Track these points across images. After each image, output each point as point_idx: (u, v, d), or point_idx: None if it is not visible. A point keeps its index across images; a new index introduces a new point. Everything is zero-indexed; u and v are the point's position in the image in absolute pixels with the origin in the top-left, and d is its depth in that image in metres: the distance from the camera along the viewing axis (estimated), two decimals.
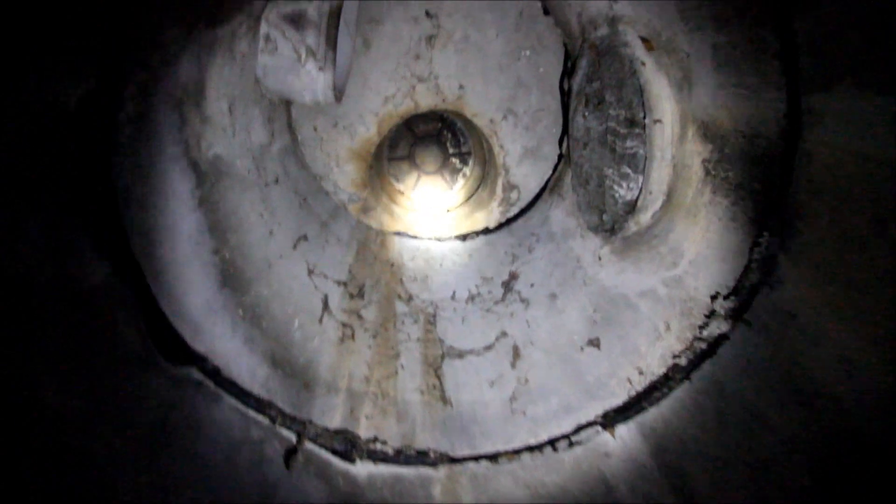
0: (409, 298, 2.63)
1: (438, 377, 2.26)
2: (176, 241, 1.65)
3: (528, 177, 2.87)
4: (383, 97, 2.67)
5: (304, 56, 1.88)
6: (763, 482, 1.32)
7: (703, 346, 1.55)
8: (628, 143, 1.86)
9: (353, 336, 2.32)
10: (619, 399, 1.81)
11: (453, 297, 2.64)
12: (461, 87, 2.66)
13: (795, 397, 1.25)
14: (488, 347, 2.35)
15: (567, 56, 2.54)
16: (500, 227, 2.99)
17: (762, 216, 1.35)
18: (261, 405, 1.79)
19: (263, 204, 2.21)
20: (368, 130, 2.76)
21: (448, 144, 3.45)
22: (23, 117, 1.14)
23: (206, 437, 1.60)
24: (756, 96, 1.32)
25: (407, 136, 3.39)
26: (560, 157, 2.79)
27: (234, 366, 1.78)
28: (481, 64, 2.60)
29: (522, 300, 2.48)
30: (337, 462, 1.84)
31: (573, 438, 1.86)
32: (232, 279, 1.90)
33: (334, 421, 1.95)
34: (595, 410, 1.85)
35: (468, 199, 3.32)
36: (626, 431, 1.75)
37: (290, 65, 1.93)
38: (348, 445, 1.87)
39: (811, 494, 1.21)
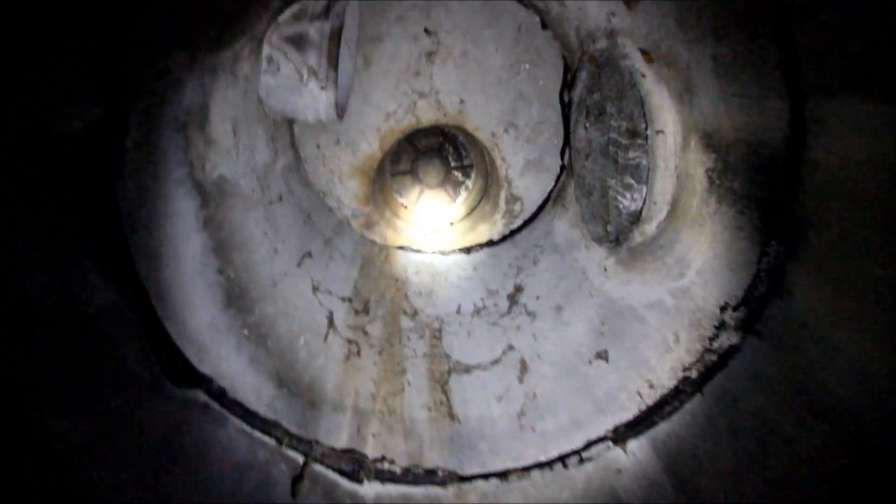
0: (415, 313, 2.62)
1: (445, 393, 2.23)
2: (181, 263, 1.66)
3: (531, 188, 2.87)
4: (385, 113, 2.69)
5: (306, 76, 1.91)
6: (780, 498, 1.29)
7: (714, 358, 1.52)
8: (631, 154, 1.86)
9: (358, 353, 2.30)
10: (629, 413, 1.78)
11: (459, 311, 2.62)
12: (462, 101, 2.68)
13: (811, 410, 1.22)
14: (495, 362, 2.32)
15: (566, 69, 2.56)
16: (503, 239, 2.98)
17: (769, 225, 1.34)
18: (267, 426, 1.77)
19: (268, 222, 2.22)
20: (371, 146, 2.78)
21: (450, 158, 3.47)
22: (29, 144, 1.15)
23: (212, 460, 1.58)
24: (758, 105, 1.32)
25: (409, 150, 3.41)
26: (562, 168, 2.80)
27: (239, 386, 1.77)
28: (481, 78, 2.62)
29: (528, 313, 2.46)
30: (344, 483, 1.82)
31: (583, 454, 1.82)
32: (237, 299, 1.90)
33: (341, 440, 1.92)
34: (605, 425, 1.82)
35: (471, 211, 3.33)
36: (637, 447, 1.72)
37: (292, 85, 1.96)
38: (356, 465, 1.85)
39: None
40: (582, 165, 2.32)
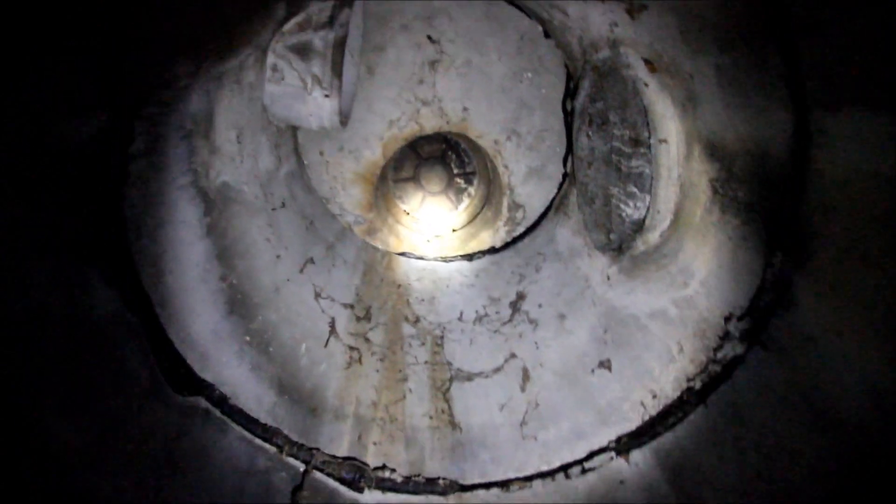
0: (417, 320, 2.61)
1: (447, 401, 2.22)
2: (184, 270, 1.66)
3: (533, 196, 2.87)
4: (388, 121, 2.70)
5: (310, 84, 1.92)
6: None
7: (718, 368, 1.51)
8: (634, 163, 1.86)
9: (360, 360, 2.30)
10: (632, 424, 1.76)
11: (461, 318, 2.61)
12: (465, 109, 2.69)
13: (817, 423, 1.21)
14: (497, 370, 2.31)
15: (569, 77, 2.57)
16: (506, 246, 2.98)
17: (774, 236, 1.33)
18: (268, 433, 1.76)
19: (270, 228, 2.23)
20: (374, 153, 2.79)
21: (452, 165, 3.47)
22: (36, 151, 1.16)
23: (213, 467, 1.58)
24: (763, 116, 1.32)
25: (412, 157, 3.42)
26: (565, 175, 2.80)
27: (241, 393, 1.77)
28: (484, 86, 2.63)
29: (531, 321, 2.45)
30: (344, 491, 1.81)
31: (586, 465, 1.81)
32: (239, 305, 1.90)
33: (342, 448, 1.91)
34: (608, 435, 1.81)
35: (474, 218, 3.33)
36: (640, 457, 1.70)
37: (296, 92, 1.97)
38: (356, 474, 1.84)
39: None
40: (584, 173, 2.32)
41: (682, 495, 1.51)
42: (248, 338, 1.91)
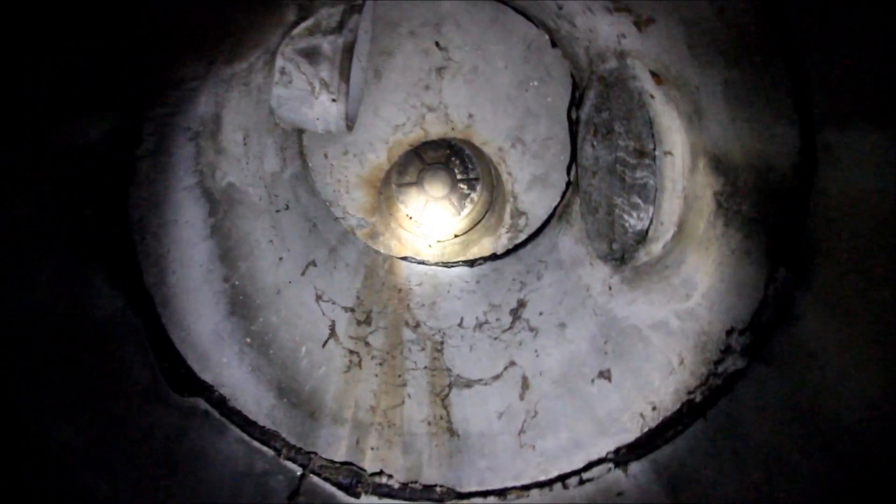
0: (417, 325, 2.61)
1: (445, 407, 2.22)
2: (187, 270, 1.66)
3: (536, 204, 2.88)
4: (393, 126, 2.71)
5: (317, 88, 1.93)
6: None
7: (719, 382, 1.51)
8: (638, 174, 1.87)
9: (359, 364, 2.29)
10: (631, 435, 1.76)
11: (461, 325, 2.61)
12: (470, 116, 2.70)
13: (818, 440, 1.21)
14: (496, 377, 2.31)
15: (575, 87, 2.58)
16: (508, 253, 2.98)
17: (778, 251, 1.33)
18: (266, 436, 1.76)
19: (274, 230, 2.23)
20: (378, 158, 2.79)
21: (456, 170, 3.48)
22: (43, 151, 1.17)
23: (211, 469, 1.57)
24: (769, 131, 1.32)
25: (416, 162, 3.43)
26: (568, 184, 2.80)
27: (240, 395, 1.76)
28: (490, 94, 2.64)
29: (531, 329, 2.45)
30: (341, 496, 1.80)
31: (584, 475, 1.80)
32: (241, 306, 1.91)
33: (339, 453, 1.91)
34: (607, 446, 1.80)
35: (476, 224, 3.33)
36: (639, 469, 1.70)
37: (303, 96, 1.98)
38: (353, 479, 1.83)
39: None
40: (588, 183, 2.32)
41: None
42: (248, 339, 1.91)
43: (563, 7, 2.03)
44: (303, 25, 1.83)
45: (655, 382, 1.75)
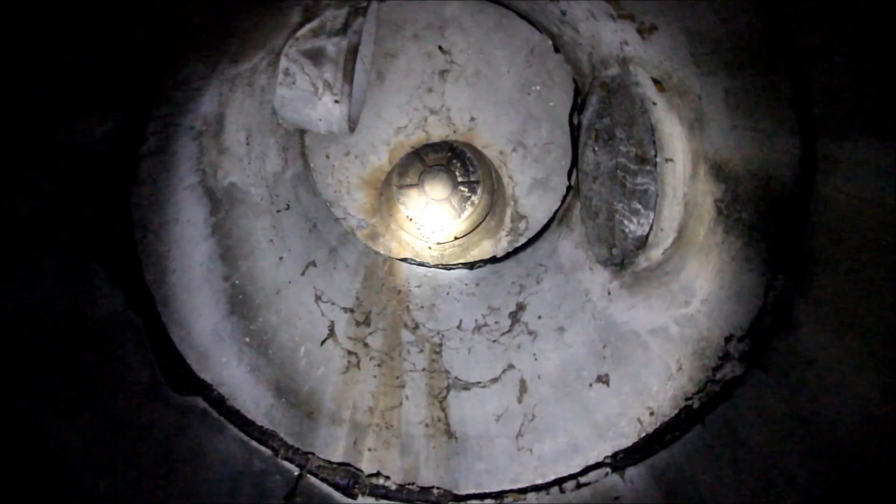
0: (416, 327, 2.61)
1: (443, 409, 2.22)
2: (188, 269, 1.66)
3: (537, 207, 2.88)
4: (395, 128, 2.72)
5: (321, 89, 1.93)
6: None
7: (717, 388, 1.51)
8: (639, 180, 1.88)
9: (358, 365, 2.29)
10: (629, 440, 1.76)
11: (460, 327, 2.61)
12: (472, 119, 2.71)
13: (815, 447, 1.21)
14: (494, 380, 2.31)
15: (577, 92, 2.59)
16: (507, 256, 2.99)
17: (777, 259, 1.34)
18: (264, 435, 1.76)
19: (274, 230, 2.24)
20: (380, 159, 2.80)
21: (457, 173, 3.49)
22: (48, 153, 1.17)
23: (209, 468, 1.57)
24: (770, 140, 1.33)
25: (417, 164, 3.44)
26: (569, 189, 2.81)
27: (238, 394, 1.76)
28: (492, 97, 2.65)
29: (530, 332, 2.46)
30: (338, 497, 1.80)
31: (581, 479, 1.81)
32: (240, 306, 1.91)
33: (337, 453, 1.91)
34: (604, 451, 1.81)
35: (476, 227, 3.34)
36: (636, 474, 1.70)
37: (307, 97, 1.98)
38: (350, 480, 1.83)
39: None
40: (589, 187, 2.33)
41: None
42: (247, 339, 1.91)
43: (567, 13, 2.04)
44: (307, 27, 1.84)
45: (654, 388, 1.75)
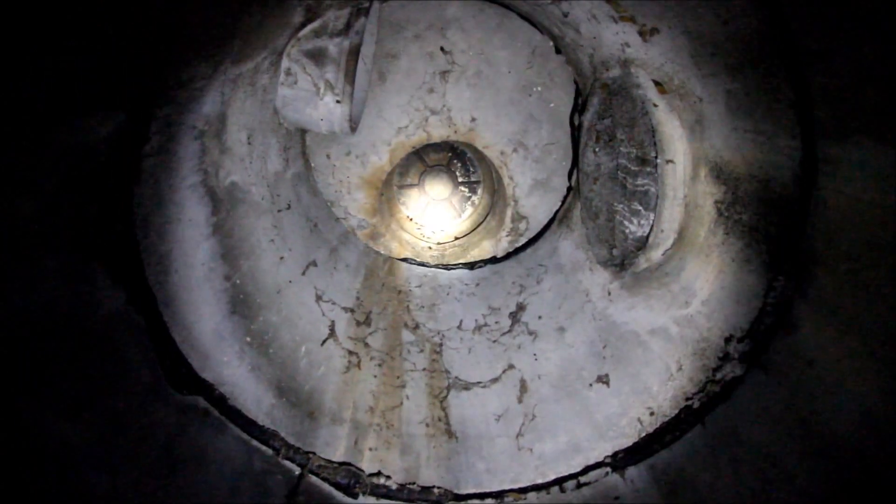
0: (416, 327, 2.62)
1: (444, 409, 2.22)
2: (189, 268, 1.66)
3: (537, 208, 2.89)
4: (396, 128, 2.72)
5: (322, 89, 1.94)
6: None
7: (717, 389, 1.52)
8: (639, 181, 1.88)
9: (358, 364, 2.30)
10: (629, 440, 1.77)
11: (460, 327, 2.62)
12: (473, 119, 2.71)
13: (814, 447, 1.22)
14: (495, 380, 2.32)
15: (578, 93, 2.60)
16: (508, 256, 2.99)
17: (777, 260, 1.35)
18: (265, 435, 1.76)
19: (275, 230, 2.24)
20: (380, 159, 2.80)
21: (457, 173, 3.50)
22: (50, 152, 1.17)
23: (210, 467, 1.57)
24: (770, 142, 1.34)
25: (417, 164, 3.44)
26: (569, 189, 2.82)
27: (239, 394, 1.77)
28: (493, 98, 2.66)
29: (530, 332, 2.46)
30: (339, 496, 1.80)
31: (581, 479, 1.81)
32: (241, 305, 1.91)
33: (338, 453, 1.91)
34: (604, 451, 1.81)
35: (476, 227, 3.34)
36: (636, 474, 1.71)
37: (308, 97, 1.99)
38: (351, 479, 1.83)
39: None
40: (589, 188, 2.34)
41: None
42: (248, 338, 1.91)
43: (569, 14, 2.05)
44: (309, 27, 1.84)
45: (654, 388, 1.76)
